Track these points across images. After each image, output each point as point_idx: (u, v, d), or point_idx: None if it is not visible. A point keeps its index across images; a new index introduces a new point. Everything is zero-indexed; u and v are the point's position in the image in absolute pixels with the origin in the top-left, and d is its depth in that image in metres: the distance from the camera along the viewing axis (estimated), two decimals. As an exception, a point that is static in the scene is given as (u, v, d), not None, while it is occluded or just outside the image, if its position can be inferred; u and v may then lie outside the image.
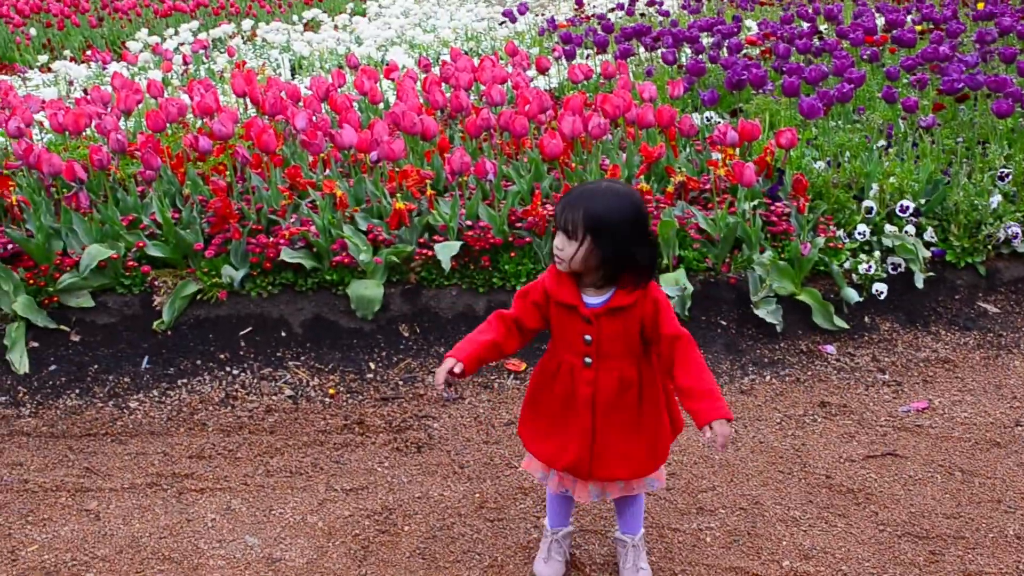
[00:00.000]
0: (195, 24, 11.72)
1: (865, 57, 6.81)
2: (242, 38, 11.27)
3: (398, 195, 4.72)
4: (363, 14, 12.43)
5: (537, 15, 11.32)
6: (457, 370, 2.69)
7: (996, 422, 3.98)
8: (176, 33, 11.36)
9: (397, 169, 4.92)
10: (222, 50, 10.49)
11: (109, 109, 5.82)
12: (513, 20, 10.23)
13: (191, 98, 5.94)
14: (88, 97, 6.16)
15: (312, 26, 12.08)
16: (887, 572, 3.07)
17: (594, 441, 2.76)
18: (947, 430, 3.93)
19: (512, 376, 4.37)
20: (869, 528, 3.30)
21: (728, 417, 2.61)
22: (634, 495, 2.99)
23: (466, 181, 4.98)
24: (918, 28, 7.73)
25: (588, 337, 2.69)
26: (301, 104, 5.86)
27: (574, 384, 2.74)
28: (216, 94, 5.73)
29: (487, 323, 2.83)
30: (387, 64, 7.67)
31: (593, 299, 2.69)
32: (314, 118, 5.33)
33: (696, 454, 3.78)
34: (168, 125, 5.42)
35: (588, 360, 2.72)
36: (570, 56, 7.51)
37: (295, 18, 12.63)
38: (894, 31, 7.14)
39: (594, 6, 11.45)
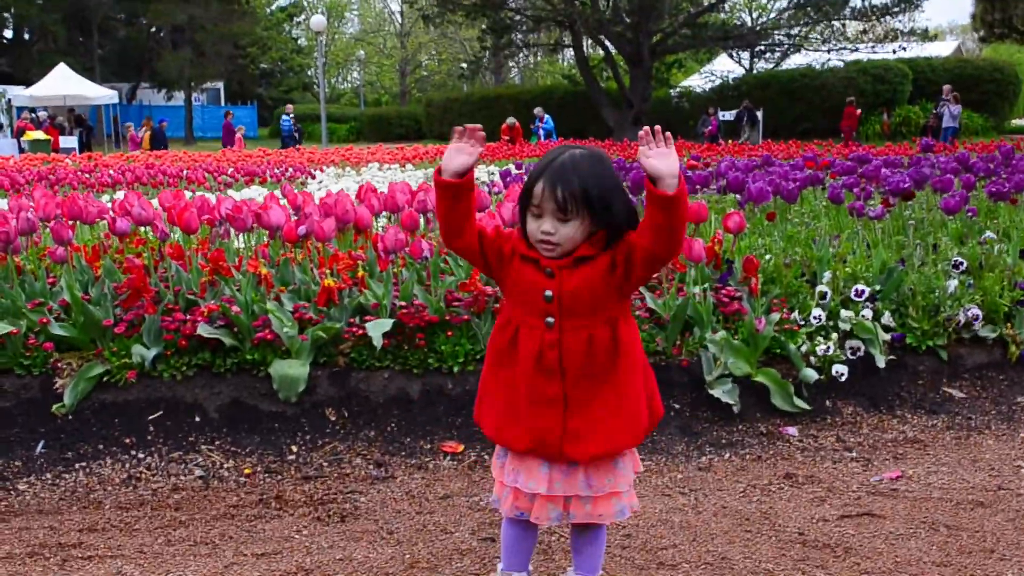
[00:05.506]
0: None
1: (807, 176, 6.77)
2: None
3: (327, 271, 4.42)
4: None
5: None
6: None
7: (976, 487, 3.66)
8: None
9: (327, 255, 4.64)
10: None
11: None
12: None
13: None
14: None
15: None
16: (877, 614, 2.68)
17: (566, 411, 2.40)
18: (925, 493, 3.59)
19: (448, 457, 3.98)
20: (852, 577, 2.92)
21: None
22: (596, 527, 2.60)
23: (400, 271, 4.71)
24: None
25: (549, 292, 2.37)
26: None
27: (537, 349, 2.39)
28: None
29: None
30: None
31: None
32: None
33: (653, 517, 3.39)
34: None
35: (550, 320, 2.39)
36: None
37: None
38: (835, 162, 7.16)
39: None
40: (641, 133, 2.30)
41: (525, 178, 2.57)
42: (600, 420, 2.40)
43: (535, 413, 2.41)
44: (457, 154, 2.41)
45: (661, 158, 2.27)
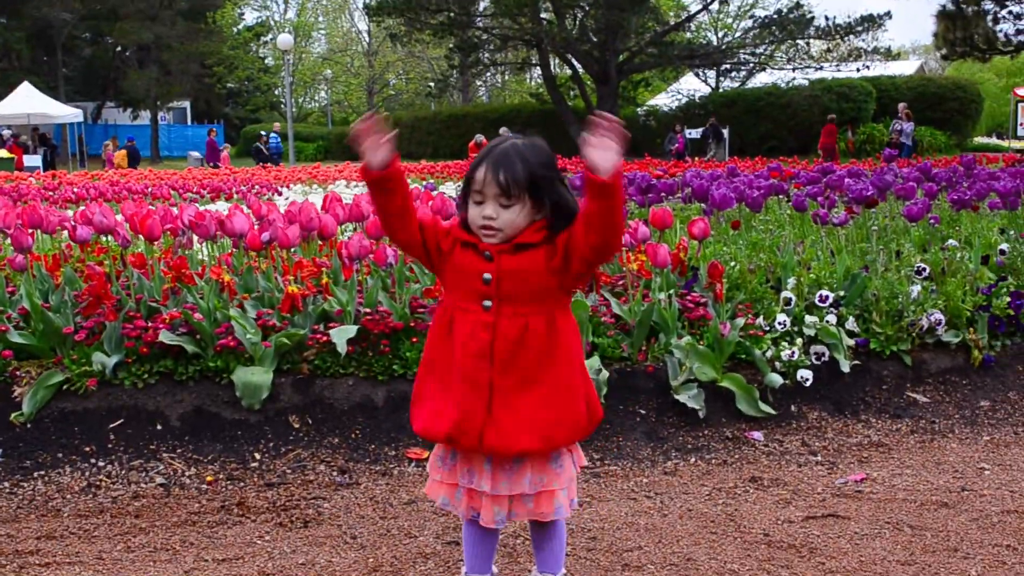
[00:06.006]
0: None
1: (771, 184, 6.81)
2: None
3: (291, 278, 4.39)
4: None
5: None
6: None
7: (940, 488, 3.67)
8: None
9: (291, 263, 4.61)
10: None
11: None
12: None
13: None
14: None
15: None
16: (842, 611, 2.68)
17: (491, 399, 2.36)
18: (889, 495, 3.60)
19: (413, 463, 3.95)
20: None
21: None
22: (553, 523, 2.58)
23: (366, 279, 4.69)
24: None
25: (487, 275, 2.36)
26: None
27: (470, 331, 2.37)
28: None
29: None
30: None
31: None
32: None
33: (619, 520, 3.37)
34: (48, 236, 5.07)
35: (487, 303, 2.37)
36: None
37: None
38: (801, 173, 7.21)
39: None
40: (593, 117, 2.28)
41: None
42: (531, 415, 2.36)
43: (460, 397, 2.38)
44: (376, 148, 2.40)
45: (600, 151, 2.23)
